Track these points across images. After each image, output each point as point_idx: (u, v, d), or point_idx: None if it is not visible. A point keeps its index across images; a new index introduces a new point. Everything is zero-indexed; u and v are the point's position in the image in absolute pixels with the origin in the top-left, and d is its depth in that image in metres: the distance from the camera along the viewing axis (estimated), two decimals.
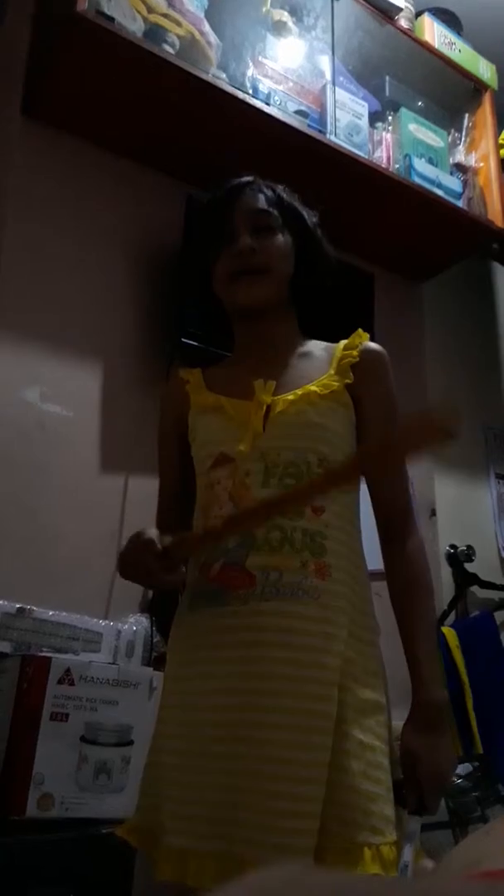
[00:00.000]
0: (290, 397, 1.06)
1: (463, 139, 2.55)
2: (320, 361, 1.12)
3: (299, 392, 1.07)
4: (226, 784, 0.92)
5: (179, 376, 1.18)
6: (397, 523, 1.09)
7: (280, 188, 1.18)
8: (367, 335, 1.15)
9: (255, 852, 0.88)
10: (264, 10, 2.07)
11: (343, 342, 1.14)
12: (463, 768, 1.92)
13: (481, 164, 2.54)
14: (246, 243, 1.10)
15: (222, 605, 0.99)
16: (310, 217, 1.19)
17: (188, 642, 1.04)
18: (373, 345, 1.13)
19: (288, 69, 2.06)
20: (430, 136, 2.40)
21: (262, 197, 1.15)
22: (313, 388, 1.07)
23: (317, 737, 0.91)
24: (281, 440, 1.04)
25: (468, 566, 2.55)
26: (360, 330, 1.15)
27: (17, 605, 1.50)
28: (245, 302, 1.12)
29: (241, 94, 1.89)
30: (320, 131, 2.06)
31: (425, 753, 0.97)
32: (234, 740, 0.93)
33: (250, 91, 1.93)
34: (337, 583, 1.00)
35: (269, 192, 1.16)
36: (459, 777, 1.88)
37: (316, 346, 1.16)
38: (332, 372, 1.10)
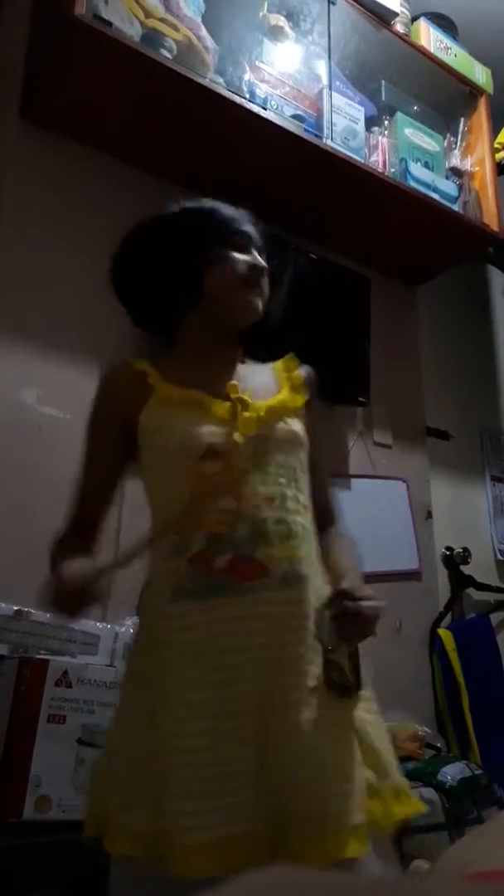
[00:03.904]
0: (272, 403, 1.12)
1: (458, 143, 2.56)
2: (266, 378, 1.19)
3: (273, 402, 1.13)
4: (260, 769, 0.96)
5: (134, 367, 1.17)
6: (328, 515, 1.22)
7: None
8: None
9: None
10: (261, 14, 2.08)
11: (278, 363, 1.21)
12: (459, 770, 1.92)
13: (477, 168, 2.55)
14: (263, 263, 1.18)
15: (240, 595, 1.00)
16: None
17: (196, 633, 1.01)
18: (307, 367, 1.23)
19: (285, 74, 2.07)
20: (425, 140, 2.41)
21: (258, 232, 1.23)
22: (287, 401, 1.15)
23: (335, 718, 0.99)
24: (270, 442, 1.10)
25: (464, 568, 2.55)
26: (290, 354, 1.23)
27: (15, 608, 1.50)
28: (252, 316, 1.18)
29: (238, 99, 1.90)
30: (317, 136, 2.07)
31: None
32: (265, 725, 0.97)
33: (247, 95, 1.94)
34: (312, 570, 1.09)
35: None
36: (455, 779, 1.88)
37: (252, 365, 1.22)
38: (287, 389, 1.17)
